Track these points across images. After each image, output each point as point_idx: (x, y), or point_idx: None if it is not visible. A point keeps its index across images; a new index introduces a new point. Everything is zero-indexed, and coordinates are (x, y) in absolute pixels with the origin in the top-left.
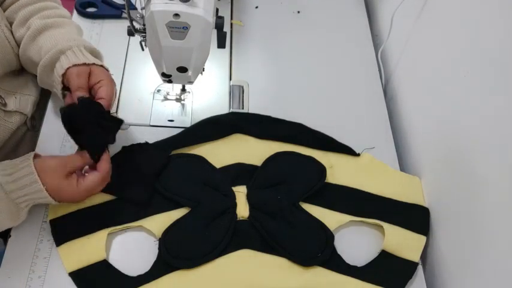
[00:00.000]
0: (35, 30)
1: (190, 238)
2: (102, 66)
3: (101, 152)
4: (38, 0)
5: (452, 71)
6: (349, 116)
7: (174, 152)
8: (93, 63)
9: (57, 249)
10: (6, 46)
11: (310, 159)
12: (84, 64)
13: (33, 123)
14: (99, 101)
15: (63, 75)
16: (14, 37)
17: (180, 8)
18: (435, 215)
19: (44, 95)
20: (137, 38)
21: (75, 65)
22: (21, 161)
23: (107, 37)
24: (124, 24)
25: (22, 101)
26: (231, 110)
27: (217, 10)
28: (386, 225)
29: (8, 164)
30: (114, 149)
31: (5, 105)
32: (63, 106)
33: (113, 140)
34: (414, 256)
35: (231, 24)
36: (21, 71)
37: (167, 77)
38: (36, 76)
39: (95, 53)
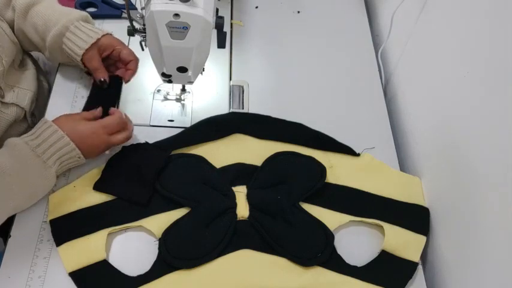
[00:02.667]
0: (21, 10)
1: (190, 238)
2: (107, 34)
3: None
4: None
5: (452, 71)
6: (349, 116)
7: (174, 152)
8: (99, 38)
9: (57, 249)
10: (3, 35)
11: (310, 159)
12: (94, 43)
13: (34, 119)
14: (130, 62)
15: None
16: (8, 24)
17: (180, 8)
18: (435, 215)
19: (44, 93)
20: (137, 38)
21: (90, 46)
22: (40, 122)
23: None
24: (124, 24)
25: (20, 94)
26: (231, 110)
27: (217, 10)
28: (386, 225)
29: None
30: (116, 149)
31: (3, 96)
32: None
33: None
34: (414, 256)
35: (231, 24)
36: (22, 65)
37: (167, 77)
38: (35, 69)
39: (86, 19)
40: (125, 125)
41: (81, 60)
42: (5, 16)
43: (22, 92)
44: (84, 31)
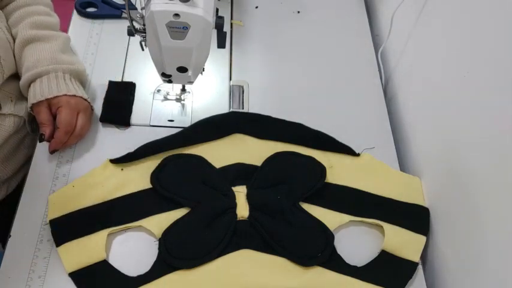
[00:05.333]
0: (22, 40)
1: (190, 238)
2: (65, 95)
3: None
4: (32, 3)
5: (452, 71)
6: (349, 116)
7: (173, 152)
8: (55, 96)
9: (57, 249)
10: (8, 48)
11: (310, 159)
12: (46, 99)
13: (33, 126)
14: (56, 130)
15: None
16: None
17: (180, 8)
18: (435, 215)
19: None
20: (137, 38)
21: (38, 102)
22: None
23: (107, 37)
24: (124, 24)
25: (17, 104)
26: (231, 110)
27: (217, 10)
28: (386, 225)
29: None
30: (116, 149)
31: (0, 108)
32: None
33: None
34: (414, 256)
35: (231, 24)
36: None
37: (167, 77)
38: None
39: (76, 74)
40: None
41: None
42: (12, 31)
43: (20, 102)
44: (52, 84)
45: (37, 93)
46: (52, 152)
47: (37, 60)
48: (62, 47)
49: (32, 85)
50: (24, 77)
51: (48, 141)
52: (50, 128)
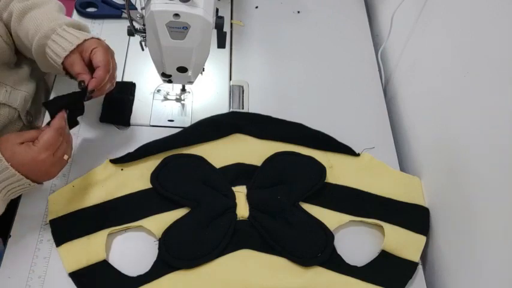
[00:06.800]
0: (17, 14)
1: (190, 238)
2: (92, 37)
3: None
4: None
5: (452, 71)
6: (349, 116)
7: (173, 152)
8: (84, 40)
9: (57, 249)
10: None
11: (310, 159)
12: (74, 49)
13: (29, 118)
14: (96, 69)
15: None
16: (4, 24)
17: (180, 8)
18: (435, 215)
19: (42, 93)
20: (137, 38)
21: (66, 57)
22: None
23: (107, 37)
24: (124, 24)
25: (12, 94)
26: (231, 110)
27: (217, 10)
28: (386, 225)
29: None
30: (116, 149)
31: None
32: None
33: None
34: (414, 256)
35: (231, 24)
36: (18, 65)
37: (167, 77)
38: (31, 69)
39: (78, 27)
40: (62, 130)
41: (63, 67)
42: (2, 17)
43: (14, 92)
44: (68, 36)
45: (65, 45)
46: (91, 92)
47: (38, 24)
48: (57, 9)
49: (47, 48)
50: (35, 43)
51: (87, 90)
52: (88, 75)
